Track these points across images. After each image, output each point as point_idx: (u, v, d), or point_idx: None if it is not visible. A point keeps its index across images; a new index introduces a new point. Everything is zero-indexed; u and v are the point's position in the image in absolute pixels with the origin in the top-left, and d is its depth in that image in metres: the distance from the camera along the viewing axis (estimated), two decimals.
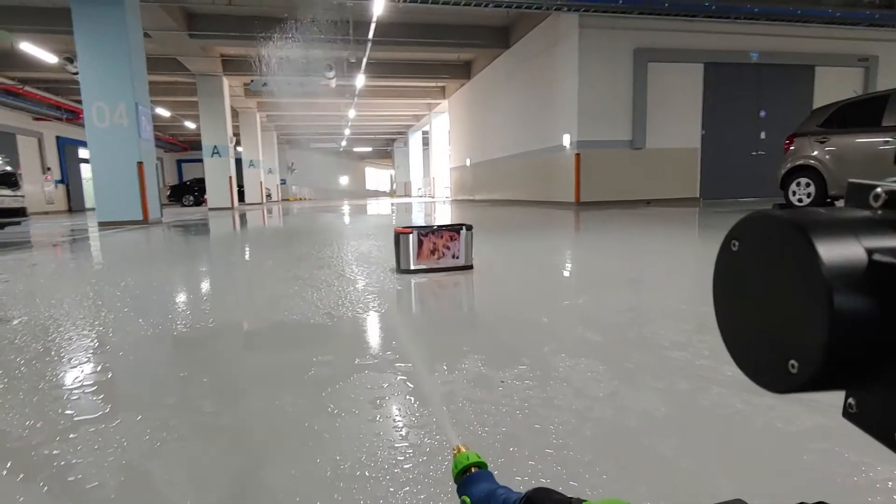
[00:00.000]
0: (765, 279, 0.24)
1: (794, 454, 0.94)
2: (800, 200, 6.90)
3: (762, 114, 10.70)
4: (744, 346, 0.26)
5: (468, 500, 0.52)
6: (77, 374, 1.47)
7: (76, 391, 1.34)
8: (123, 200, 8.54)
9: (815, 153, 6.69)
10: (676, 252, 3.81)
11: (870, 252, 0.21)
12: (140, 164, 8.53)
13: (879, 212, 0.25)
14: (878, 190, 0.25)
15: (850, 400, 0.24)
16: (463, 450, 0.57)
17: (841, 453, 0.92)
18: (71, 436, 1.08)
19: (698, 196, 10.53)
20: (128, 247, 5.35)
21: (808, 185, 6.82)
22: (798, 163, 6.89)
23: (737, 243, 0.26)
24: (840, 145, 6.49)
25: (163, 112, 19.33)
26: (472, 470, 0.55)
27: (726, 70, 10.35)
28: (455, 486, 0.56)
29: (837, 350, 0.21)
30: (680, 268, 3.16)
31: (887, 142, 5.96)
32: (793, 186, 6.99)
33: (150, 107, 9.15)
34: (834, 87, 10.41)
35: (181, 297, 2.64)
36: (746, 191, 10.76)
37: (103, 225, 8.40)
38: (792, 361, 0.22)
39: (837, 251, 0.21)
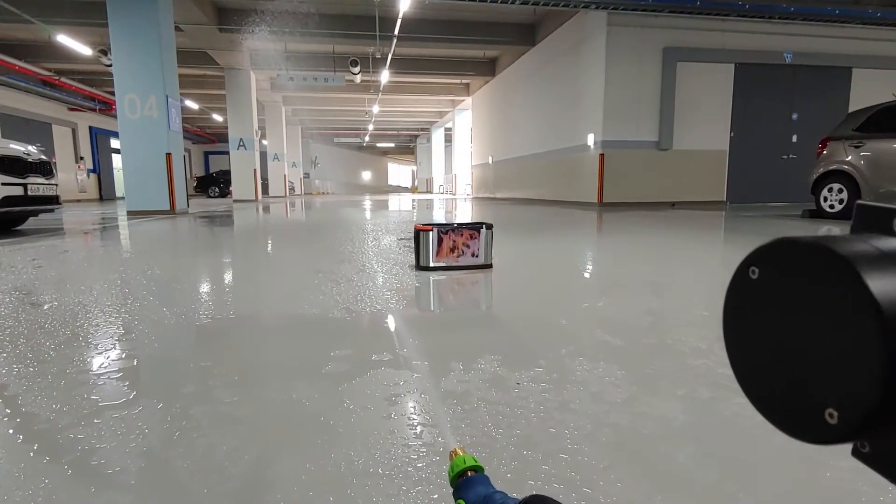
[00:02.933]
0: (793, 315, 0.21)
1: (817, 470, 0.91)
2: (831, 206, 6.70)
3: (794, 116, 10.42)
4: (764, 389, 0.23)
5: (462, 503, 0.52)
6: (103, 360, 1.51)
7: (102, 377, 1.37)
8: (152, 190, 8.74)
9: (850, 158, 6.49)
10: (700, 257, 3.74)
11: None
12: (168, 155, 8.72)
13: None
14: None
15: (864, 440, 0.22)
16: (460, 453, 0.57)
17: (866, 471, 0.89)
18: (95, 420, 1.11)
19: (725, 199, 10.31)
20: (155, 236, 5.48)
21: (840, 191, 6.61)
22: (831, 168, 6.69)
23: (757, 271, 0.23)
24: (877, 151, 6.28)
25: (192, 104, 19.72)
26: (469, 474, 0.55)
27: (758, 71, 10.10)
28: (451, 490, 0.56)
29: (891, 400, 0.18)
30: (703, 273, 3.10)
31: None
32: (824, 192, 6.79)
33: (179, 99, 9.33)
34: (872, 89, 10.08)
35: (204, 288, 2.69)
36: (775, 195, 10.51)
37: (132, 214, 8.61)
38: (830, 410, 0.20)
39: (890, 289, 0.19)
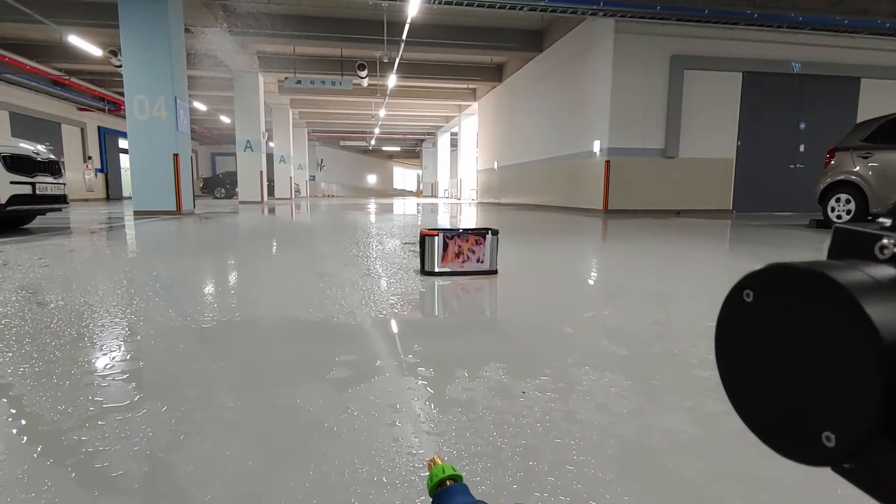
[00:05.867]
0: (788, 339, 0.22)
1: (829, 486, 0.90)
2: (839, 217, 6.66)
3: (802, 126, 10.39)
4: (759, 412, 0.23)
5: None
6: (107, 361, 1.51)
7: (106, 378, 1.37)
8: (159, 191, 8.79)
9: (858, 168, 6.45)
10: (707, 266, 3.72)
11: None
12: (176, 156, 8.76)
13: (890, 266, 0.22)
14: (886, 242, 0.23)
15: None
16: (438, 461, 0.57)
17: None
18: (99, 423, 1.11)
19: (731, 208, 10.27)
20: (161, 236, 5.50)
21: (848, 201, 6.57)
22: (839, 178, 6.65)
23: (751, 294, 0.23)
24: (885, 161, 6.24)
25: (200, 106, 19.84)
26: (448, 483, 0.54)
27: (766, 80, 10.07)
28: (430, 501, 0.56)
29: (889, 425, 0.18)
30: (710, 283, 3.08)
31: None
32: (832, 202, 6.75)
33: (188, 101, 9.39)
34: (880, 100, 10.04)
35: (209, 289, 2.69)
36: (782, 204, 10.46)
37: (139, 214, 8.65)
38: (827, 433, 0.20)
39: (889, 318, 0.19)
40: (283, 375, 1.43)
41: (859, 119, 9.05)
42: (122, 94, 8.87)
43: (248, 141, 16.02)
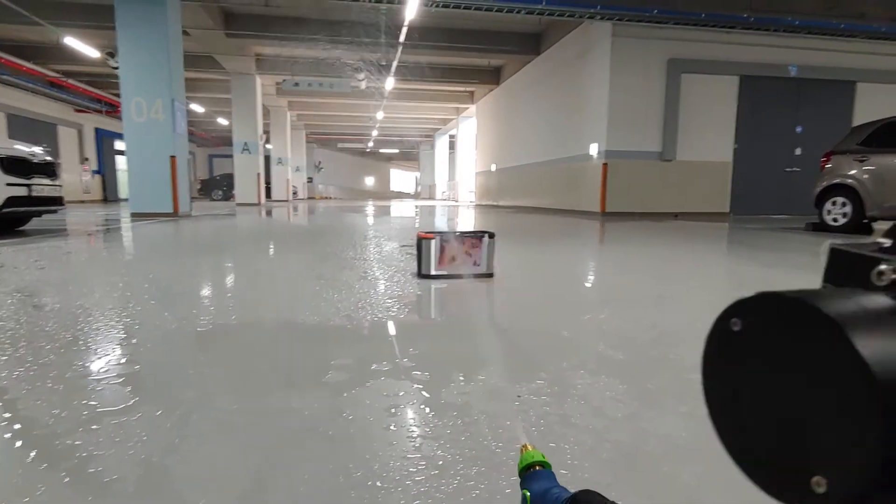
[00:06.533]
0: (777, 372, 0.20)
1: None
2: (835, 220, 6.69)
3: (798, 129, 10.43)
4: (746, 447, 0.22)
5: (528, 493, 0.58)
6: (102, 364, 1.51)
7: (101, 382, 1.37)
8: (156, 193, 8.77)
9: (854, 172, 6.48)
10: (704, 269, 3.73)
11: None
12: (173, 158, 8.75)
13: (890, 294, 0.21)
14: (884, 268, 0.22)
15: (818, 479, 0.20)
16: (529, 448, 0.63)
17: None
18: (93, 427, 1.10)
19: (728, 211, 10.30)
20: (157, 239, 5.49)
21: (844, 204, 6.59)
22: (835, 181, 6.67)
23: (739, 323, 0.22)
24: (881, 165, 6.26)
25: (197, 108, 19.83)
26: (536, 468, 0.60)
27: (763, 83, 10.12)
28: (519, 480, 0.62)
29: (887, 470, 0.17)
30: (707, 286, 3.09)
31: None
32: (828, 205, 6.77)
33: (185, 102, 9.38)
34: (876, 104, 10.08)
35: (206, 292, 2.69)
36: (779, 208, 10.49)
37: (135, 216, 8.63)
38: (817, 478, 0.19)
39: (881, 354, 0.18)
40: (279, 379, 1.43)
41: (855, 123, 9.09)
42: (119, 95, 8.82)
43: (245, 143, 16.01)
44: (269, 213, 11.62)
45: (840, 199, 6.63)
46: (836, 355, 0.18)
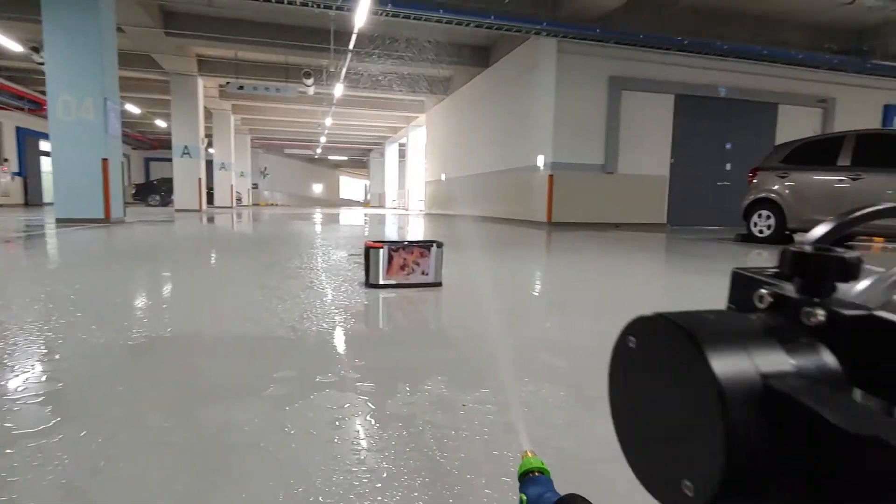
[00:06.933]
0: (657, 387, 0.23)
1: None
2: (760, 232, 7.17)
3: (728, 146, 11.12)
4: (637, 452, 0.24)
5: (524, 497, 0.61)
6: (19, 383, 1.40)
7: (18, 402, 1.27)
8: (85, 197, 8.25)
9: (776, 187, 6.98)
10: (645, 278, 3.89)
11: (764, 376, 0.20)
12: (105, 160, 8.27)
13: (764, 316, 0.24)
14: (763, 292, 0.24)
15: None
16: (530, 455, 0.66)
17: None
18: (7, 451, 1.02)
19: (666, 222, 10.82)
20: (86, 246, 5.16)
21: (768, 217, 7.09)
22: (760, 195, 7.17)
23: (634, 340, 0.24)
24: (799, 181, 6.79)
25: (133, 109, 18.87)
26: (535, 473, 0.63)
27: (696, 102, 10.74)
28: (518, 484, 0.65)
29: (734, 477, 0.19)
30: (647, 295, 3.23)
31: (841, 181, 6.26)
32: (755, 218, 7.26)
33: (119, 103, 8.91)
34: (795, 125, 10.92)
35: (139, 303, 2.55)
36: (712, 219, 11.12)
37: (61, 222, 8.08)
38: (686, 482, 0.21)
39: (733, 371, 0.20)
40: (218, 393, 1.37)
41: (777, 141, 9.81)
42: (44, 92, 8.26)
43: (185, 146, 15.36)
44: (210, 219, 11.18)
45: (765, 213, 7.13)
46: (696, 371, 0.20)
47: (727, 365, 0.20)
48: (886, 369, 0.22)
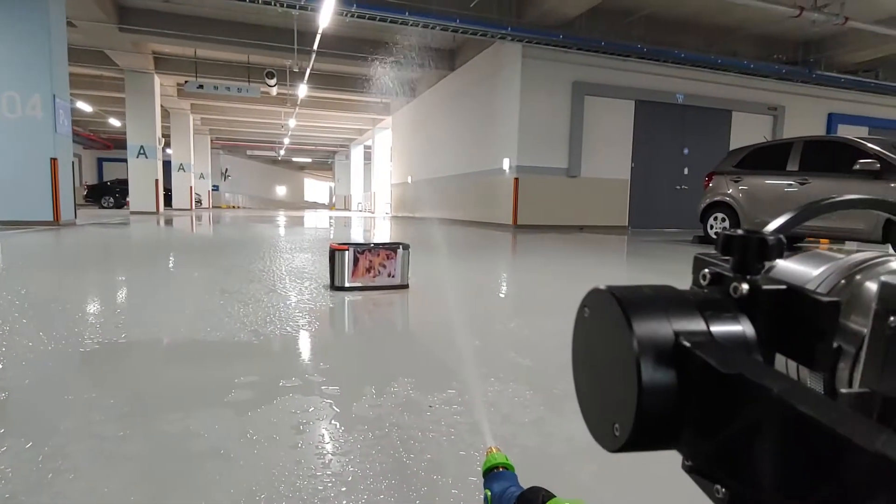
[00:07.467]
0: (601, 347, 0.26)
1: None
2: (716, 234, 7.41)
3: (685, 151, 11.50)
4: (587, 406, 0.28)
5: (489, 493, 0.62)
6: None
7: None
8: (32, 199, 7.84)
9: (730, 191, 7.26)
10: (606, 278, 3.98)
11: (676, 334, 0.24)
12: (54, 160, 7.89)
13: (704, 291, 0.28)
14: (706, 271, 0.29)
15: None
16: (494, 451, 0.67)
17: None
18: None
19: (627, 225, 11.09)
20: (33, 250, 4.91)
21: (723, 219, 7.37)
22: (715, 199, 7.45)
23: (588, 311, 0.28)
24: (751, 185, 7.09)
25: (84, 107, 18.08)
26: (499, 469, 0.64)
27: (655, 108, 11.07)
28: (483, 480, 0.66)
29: (645, 418, 0.23)
30: None
31: (790, 185, 6.57)
32: (711, 220, 7.53)
33: (69, 100, 8.52)
34: (748, 131, 11.39)
35: (91, 309, 2.44)
36: (671, 222, 11.47)
37: (5, 224, 7.66)
38: (616, 424, 0.24)
39: (649, 330, 0.24)
40: (176, 401, 1.32)
41: (731, 147, 10.21)
42: None
43: (141, 146, 14.80)
44: (168, 222, 10.82)
45: (720, 215, 7.41)
46: (623, 331, 0.24)
47: (646, 327, 0.24)
48: (801, 335, 0.26)
